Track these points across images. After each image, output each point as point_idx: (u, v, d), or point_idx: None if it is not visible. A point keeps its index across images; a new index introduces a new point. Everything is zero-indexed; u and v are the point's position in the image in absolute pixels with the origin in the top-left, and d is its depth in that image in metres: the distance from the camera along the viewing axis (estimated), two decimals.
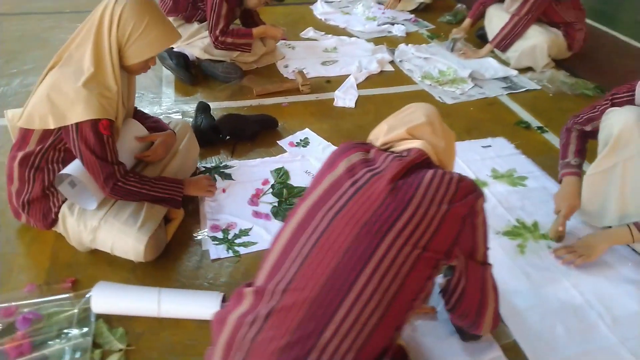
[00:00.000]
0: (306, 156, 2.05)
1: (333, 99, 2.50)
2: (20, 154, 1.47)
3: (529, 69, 2.89)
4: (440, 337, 1.30)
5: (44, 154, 1.46)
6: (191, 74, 2.58)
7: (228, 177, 1.91)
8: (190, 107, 2.36)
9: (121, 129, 1.54)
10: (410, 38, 3.32)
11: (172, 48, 2.58)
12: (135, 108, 1.72)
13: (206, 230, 1.65)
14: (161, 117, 1.89)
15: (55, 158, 1.48)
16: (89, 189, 1.44)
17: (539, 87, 2.72)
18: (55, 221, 1.52)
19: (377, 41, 3.21)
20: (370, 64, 2.86)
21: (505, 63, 2.95)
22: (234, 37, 2.50)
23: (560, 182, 1.71)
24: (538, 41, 2.81)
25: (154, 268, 1.50)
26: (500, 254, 1.59)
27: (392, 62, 2.94)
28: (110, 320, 1.33)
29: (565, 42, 2.89)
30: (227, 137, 2.09)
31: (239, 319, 0.91)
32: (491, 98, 2.61)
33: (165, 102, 2.42)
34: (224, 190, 1.83)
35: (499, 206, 1.81)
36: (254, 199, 1.81)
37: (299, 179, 1.92)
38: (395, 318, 0.88)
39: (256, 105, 2.42)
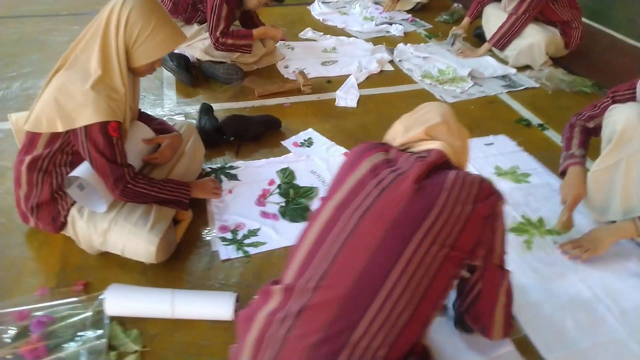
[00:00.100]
0: (311, 156, 2.06)
1: (334, 99, 2.51)
2: (28, 158, 1.46)
3: (527, 67, 2.93)
4: (451, 334, 1.32)
5: (52, 157, 1.46)
6: (192, 75, 2.58)
7: (234, 177, 1.91)
8: (193, 109, 2.36)
9: (128, 131, 1.54)
10: (408, 38, 3.34)
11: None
12: (140, 110, 1.73)
13: (215, 231, 1.65)
14: (164, 119, 1.90)
15: (63, 161, 1.48)
16: (99, 192, 1.44)
17: (537, 85, 2.75)
18: (64, 224, 1.51)
19: (376, 41, 3.23)
20: (370, 64, 2.87)
21: (503, 62, 2.98)
22: (234, 39, 2.51)
23: (561, 174, 1.73)
24: (536, 40, 2.84)
25: (165, 269, 1.50)
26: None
27: (391, 62, 2.96)
28: (123, 322, 1.33)
29: (562, 40, 2.93)
30: (231, 138, 2.10)
31: (268, 316, 0.91)
32: (491, 96, 2.63)
33: (167, 104, 2.42)
34: (230, 191, 1.83)
35: None
36: (261, 199, 1.81)
37: (304, 179, 1.93)
38: (424, 315, 0.89)
39: (258, 106, 2.42)
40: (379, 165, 1.00)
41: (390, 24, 3.50)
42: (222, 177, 1.90)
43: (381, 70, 2.85)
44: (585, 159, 1.68)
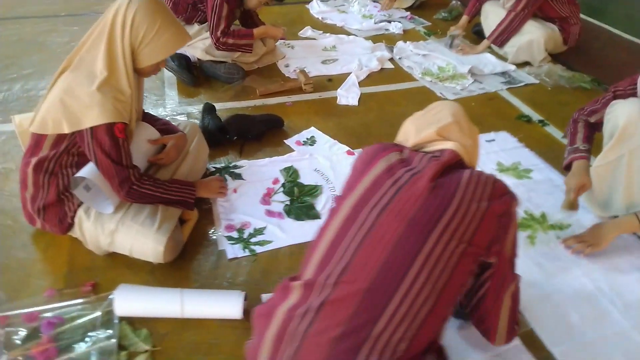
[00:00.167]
0: (314, 154, 2.07)
1: (336, 98, 2.52)
2: (34, 160, 1.46)
3: (526, 63, 2.94)
4: (456, 329, 1.33)
5: (58, 159, 1.46)
6: (193, 75, 2.58)
7: (238, 177, 1.92)
8: (195, 109, 2.37)
9: (133, 132, 1.54)
10: (407, 35, 3.35)
11: None
12: (144, 111, 1.73)
13: (221, 230, 1.66)
14: (167, 119, 1.90)
15: (69, 162, 1.48)
16: (105, 192, 1.45)
17: (537, 81, 2.77)
18: (71, 225, 1.52)
19: (375, 39, 3.24)
20: (370, 62, 2.88)
21: (502, 58, 2.99)
22: (235, 38, 2.51)
23: (565, 168, 1.74)
24: (535, 36, 2.85)
25: (173, 269, 1.51)
26: None
27: (391, 60, 2.97)
28: (133, 322, 1.34)
29: (561, 36, 2.94)
30: (235, 138, 2.10)
31: (288, 311, 0.92)
32: (491, 93, 2.65)
33: (169, 104, 2.42)
34: (235, 190, 1.84)
35: None
36: (266, 198, 1.82)
37: (308, 177, 1.94)
38: (442, 310, 0.91)
39: (260, 105, 2.43)
40: (394, 165, 1.01)
41: (389, 21, 3.51)
42: (227, 176, 1.91)
43: (381, 68, 2.86)
44: (590, 153, 1.69)
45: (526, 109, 2.50)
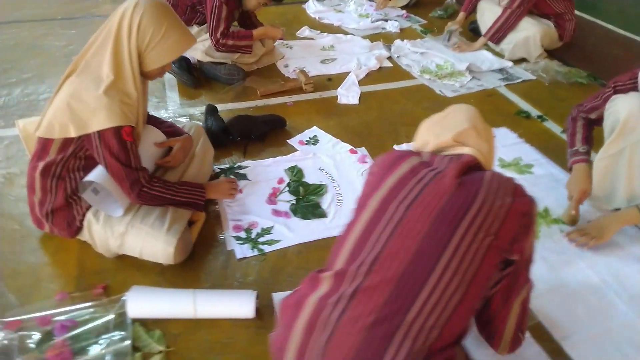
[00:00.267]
0: (317, 154, 2.08)
1: (336, 97, 2.54)
2: (41, 164, 1.46)
3: (522, 60, 2.97)
4: None
5: (65, 163, 1.46)
6: (194, 77, 2.59)
7: (243, 177, 1.93)
8: (197, 110, 2.37)
9: (140, 135, 1.55)
10: (404, 34, 3.37)
11: None
12: (148, 113, 1.73)
13: (229, 230, 1.67)
14: (170, 121, 1.90)
15: (76, 166, 1.48)
16: (114, 195, 1.45)
17: (534, 77, 2.80)
18: (79, 229, 1.52)
19: (372, 38, 3.26)
20: (369, 61, 2.90)
21: (499, 55, 3.02)
22: (234, 39, 2.52)
23: (570, 170, 1.77)
24: (531, 32, 2.88)
25: (183, 270, 1.52)
26: None
27: (389, 58, 2.99)
28: (145, 323, 1.35)
29: (557, 32, 2.97)
30: (238, 138, 2.11)
31: (320, 300, 0.94)
32: (490, 90, 2.67)
33: (171, 106, 2.43)
34: (240, 191, 1.85)
35: None
36: (272, 198, 1.83)
37: (313, 177, 1.95)
38: (471, 301, 0.92)
39: (261, 106, 2.44)
40: (416, 166, 1.03)
41: (386, 20, 3.53)
42: (232, 177, 1.92)
43: (380, 67, 2.87)
44: (590, 154, 1.73)
45: (525, 105, 2.53)
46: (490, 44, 3.07)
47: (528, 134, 2.26)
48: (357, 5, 3.74)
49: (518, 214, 0.96)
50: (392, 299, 0.89)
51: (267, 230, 1.68)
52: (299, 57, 2.94)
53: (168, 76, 2.64)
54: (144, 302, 1.35)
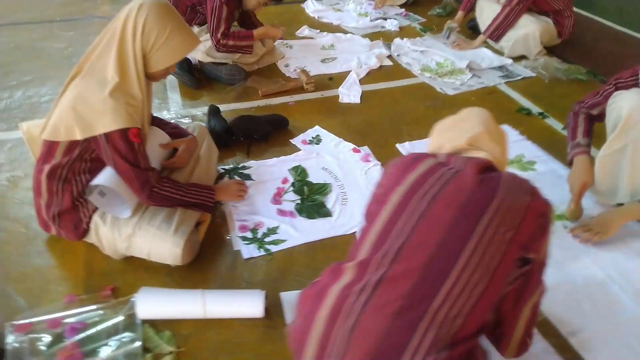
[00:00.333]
0: (320, 153, 2.09)
1: (338, 96, 2.54)
2: (47, 167, 1.46)
3: (522, 57, 2.98)
4: None
5: (71, 165, 1.46)
6: (195, 77, 2.59)
7: (247, 177, 1.93)
8: (199, 111, 2.37)
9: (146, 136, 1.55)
10: (403, 32, 3.38)
11: None
12: (152, 115, 1.74)
13: (235, 230, 1.68)
14: (172, 122, 1.91)
15: (82, 169, 1.48)
16: (123, 197, 1.46)
17: (534, 75, 2.81)
18: (86, 231, 1.53)
19: (372, 36, 3.26)
20: (369, 60, 2.91)
21: (498, 52, 3.03)
22: (235, 40, 2.52)
23: (569, 163, 1.78)
24: (530, 30, 2.89)
25: (190, 271, 1.52)
26: None
27: (389, 57, 2.99)
28: (155, 324, 1.35)
29: (556, 29, 2.99)
30: (241, 139, 2.12)
31: (343, 289, 0.94)
32: (490, 87, 2.68)
33: (173, 107, 2.43)
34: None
35: None
36: (277, 198, 1.84)
37: (317, 176, 1.96)
38: (493, 295, 0.93)
39: (263, 106, 2.45)
40: (434, 166, 1.04)
41: (385, 19, 3.54)
42: (236, 177, 1.92)
43: (380, 66, 2.88)
44: (590, 147, 1.74)
45: (525, 102, 2.54)
46: (490, 41, 3.08)
47: (529, 131, 2.27)
48: (356, 4, 3.75)
49: (536, 214, 0.97)
50: (417, 287, 0.90)
51: (273, 230, 1.69)
52: (300, 57, 2.95)
53: (169, 77, 2.64)
54: (154, 303, 1.35)
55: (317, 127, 2.27)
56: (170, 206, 1.51)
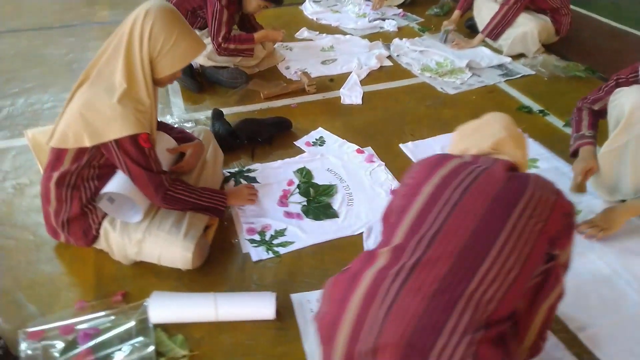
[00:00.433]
0: (325, 154, 2.10)
1: (339, 97, 2.56)
2: (55, 174, 1.47)
3: (521, 55, 3.00)
4: None
5: (80, 172, 1.47)
6: (197, 81, 2.60)
7: (253, 180, 1.94)
8: (202, 115, 2.38)
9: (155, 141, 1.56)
10: (402, 32, 3.40)
11: None
12: (158, 120, 1.74)
13: (242, 233, 1.69)
14: (177, 127, 1.92)
15: (90, 175, 1.49)
16: (134, 201, 1.47)
17: (533, 72, 2.83)
18: (96, 238, 1.53)
19: (371, 37, 3.28)
20: (369, 60, 2.92)
21: (497, 51, 3.05)
22: (236, 43, 2.53)
23: (572, 155, 1.80)
24: (528, 28, 2.92)
25: (200, 275, 1.53)
26: None
27: (389, 57, 3.01)
28: (167, 328, 1.36)
29: (553, 27, 3.01)
30: (245, 141, 2.13)
31: (379, 272, 0.96)
32: (490, 86, 2.70)
33: (176, 111, 2.44)
34: None
35: None
36: (283, 200, 1.85)
37: (322, 177, 1.97)
38: (523, 282, 0.95)
39: (266, 109, 2.46)
40: (463, 164, 1.07)
41: (383, 19, 3.55)
42: (242, 180, 1.93)
43: (381, 66, 2.90)
44: (596, 139, 1.75)
45: (525, 100, 2.56)
46: (488, 40, 3.10)
47: (531, 128, 2.29)
48: (354, 5, 3.76)
49: (562, 212, 0.99)
50: (454, 270, 0.92)
51: (280, 232, 1.70)
52: (300, 59, 2.96)
53: None
54: (166, 308, 1.36)
55: (320, 128, 2.28)
56: (182, 209, 1.52)
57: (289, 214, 1.78)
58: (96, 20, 3.58)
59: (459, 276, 0.91)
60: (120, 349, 1.30)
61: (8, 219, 1.75)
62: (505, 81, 2.75)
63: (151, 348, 1.29)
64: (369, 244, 1.66)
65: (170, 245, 1.47)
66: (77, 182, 1.48)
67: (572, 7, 3.11)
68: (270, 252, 1.62)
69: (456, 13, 3.27)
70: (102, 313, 1.38)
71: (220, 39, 2.47)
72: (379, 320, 0.91)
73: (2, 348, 1.28)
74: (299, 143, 2.18)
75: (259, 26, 2.80)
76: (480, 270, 0.92)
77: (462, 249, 0.94)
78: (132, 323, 1.35)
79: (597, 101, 1.79)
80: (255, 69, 2.78)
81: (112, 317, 1.38)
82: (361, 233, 1.70)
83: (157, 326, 1.36)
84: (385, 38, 3.26)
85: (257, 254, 1.61)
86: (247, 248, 1.64)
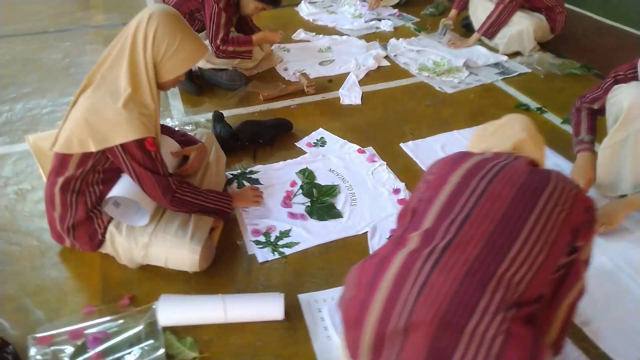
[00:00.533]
0: (326, 155, 2.11)
1: (339, 98, 2.57)
2: (60, 180, 1.46)
3: (517, 53, 3.03)
4: None
5: (85, 177, 1.46)
6: (196, 84, 2.60)
7: (256, 182, 1.95)
8: (202, 118, 2.38)
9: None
10: (398, 32, 3.41)
11: None
12: (160, 124, 1.74)
13: (248, 235, 1.69)
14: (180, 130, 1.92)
15: (95, 180, 1.49)
16: (141, 205, 1.47)
17: (529, 70, 2.86)
18: (101, 242, 1.53)
19: (368, 38, 3.30)
20: (367, 61, 2.94)
21: (493, 50, 3.08)
22: (234, 45, 2.53)
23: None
24: (524, 26, 2.94)
25: (207, 277, 1.53)
26: None
27: (387, 57, 3.02)
28: (176, 331, 1.36)
29: (548, 25, 3.04)
30: (247, 143, 2.13)
31: (411, 254, 0.97)
32: (487, 84, 2.72)
33: (176, 114, 2.44)
34: None
35: None
36: (287, 201, 1.86)
37: (324, 178, 1.98)
38: (552, 266, 0.97)
39: (266, 110, 2.46)
40: (486, 159, 1.09)
41: (379, 19, 3.57)
42: (245, 182, 1.94)
43: (378, 66, 2.91)
44: (594, 143, 1.78)
45: (523, 98, 2.58)
46: (484, 39, 3.12)
47: None
48: (350, 6, 3.78)
49: (583, 205, 1.02)
50: (485, 252, 0.94)
51: (285, 233, 1.70)
52: (298, 60, 2.96)
53: None
54: (175, 310, 1.37)
55: (320, 129, 2.29)
56: (189, 212, 1.53)
57: (293, 215, 1.79)
58: (92, 24, 3.57)
59: (490, 258, 0.94)
60: (130, 353, 1.30)
61: (11, 225, 1.75)
62: (502, 79, 2.77)
63: (161, 351, 1.29)
64: (374, 243, 1.67)
65: (177, 248, 1.47)
66: (82, 187, 1.48)
67: (566, 5, 3.14)
68: (276, 253, 1.63)
69: (453, 12, 3.30)
70: (111, 317, 1.38)
71: (218, 42, 2.48)
72: (411, 299, 0.92)
73: (12, 354, 1.28)
74: (300, 144, 2.19)
75: (257, 28, 2.81)
76: (510, 253, 0.94)
77: (492, 232, 0.96)
78: (141, 326, 1.35)
79: (597, 100, 1.81)
80: (254, 71, 2.79)
81: (121, 321, 1.38)
82: (366, 233, 1.71)
83: (166, 329, 1.36)
84: (381, 38, 3.27)
85: (263, 255, 1.62)
86: (253, 249, 1.64)
